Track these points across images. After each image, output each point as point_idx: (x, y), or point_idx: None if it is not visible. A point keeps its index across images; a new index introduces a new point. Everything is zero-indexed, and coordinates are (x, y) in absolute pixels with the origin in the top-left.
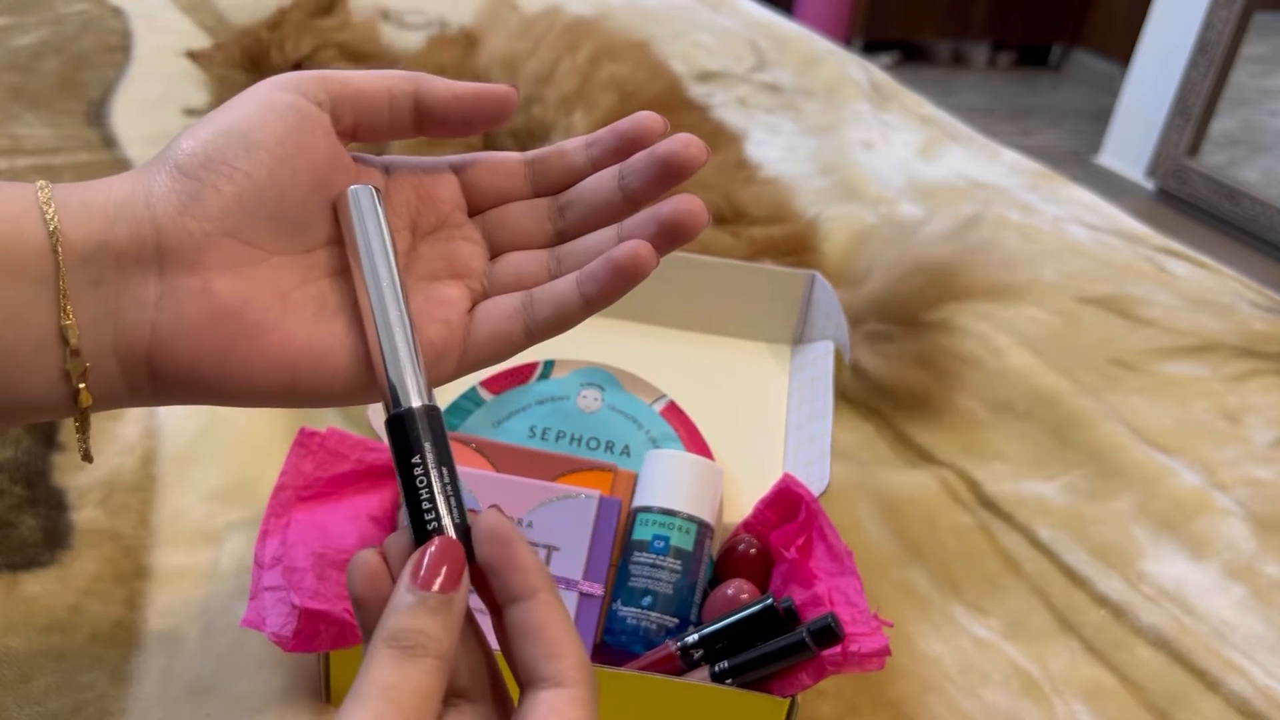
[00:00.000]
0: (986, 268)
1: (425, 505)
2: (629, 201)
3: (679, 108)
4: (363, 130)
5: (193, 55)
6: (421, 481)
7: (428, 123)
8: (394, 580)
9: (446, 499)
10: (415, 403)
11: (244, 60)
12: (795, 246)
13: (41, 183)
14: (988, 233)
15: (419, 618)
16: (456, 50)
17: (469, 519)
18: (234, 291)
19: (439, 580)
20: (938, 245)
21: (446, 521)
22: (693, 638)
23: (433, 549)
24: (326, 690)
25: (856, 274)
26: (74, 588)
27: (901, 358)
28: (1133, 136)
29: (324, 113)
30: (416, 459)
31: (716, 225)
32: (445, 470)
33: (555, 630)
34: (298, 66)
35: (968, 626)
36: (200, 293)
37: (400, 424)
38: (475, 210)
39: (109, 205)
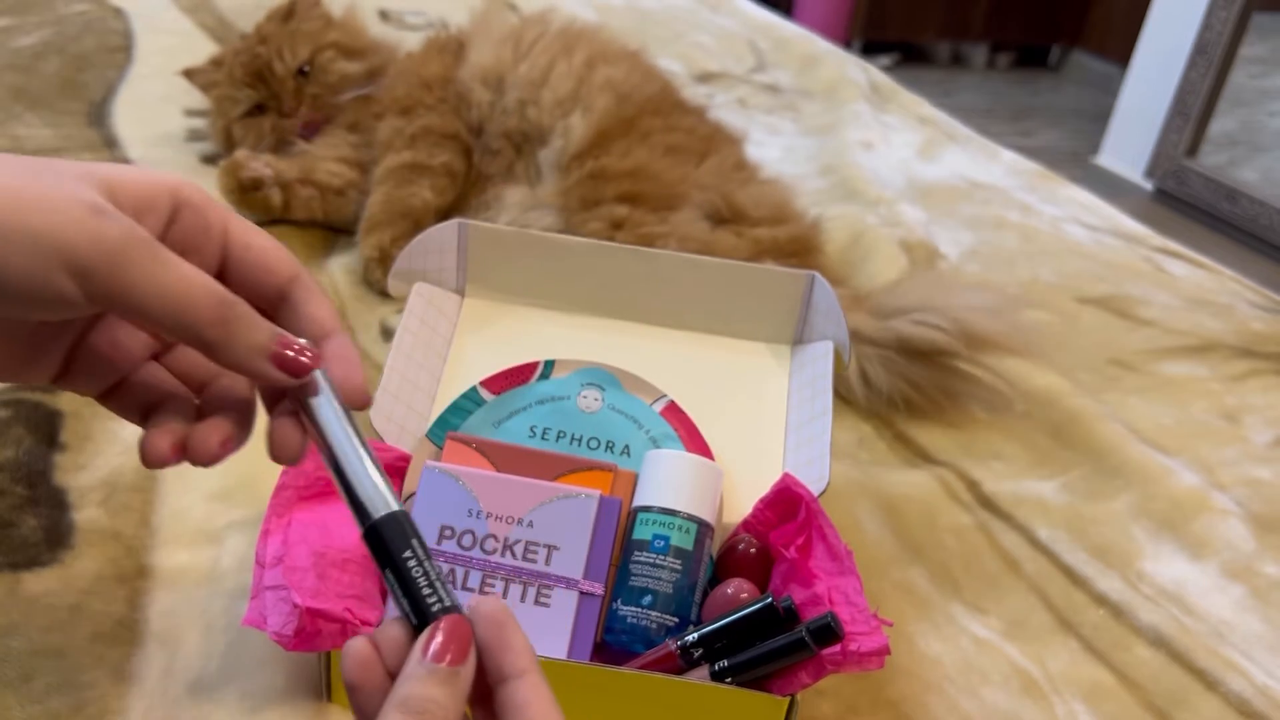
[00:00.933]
0: (1025, 348)
1: (426, 591)
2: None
3: (674, 110)
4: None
5: (189, 74)
6: (418, 572)
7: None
8: (385, 667)
9: (442, 584)
10: (394, 507)
11: (247, 77)
12: (799, 248)
13: None
14: (1031, 315)
15: (430, 686)
16: (448, 59)
17: (463, 602)
18: None
19: (450, 654)
20: (983, 317)
21: (449, 603)
22: (692, 637)
23: (443, 626)
24: (327, 689)
25: (885, 307)
26: (75, 587)
27: (917, 383)
28: (1132, 137)
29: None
30: (409, 554)
31: (719, 225)
32: (430, 561)
33: (541, 706)
34: (301, 72)
35: (967, 626)
36: None
37: (381, 531)
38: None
39: None
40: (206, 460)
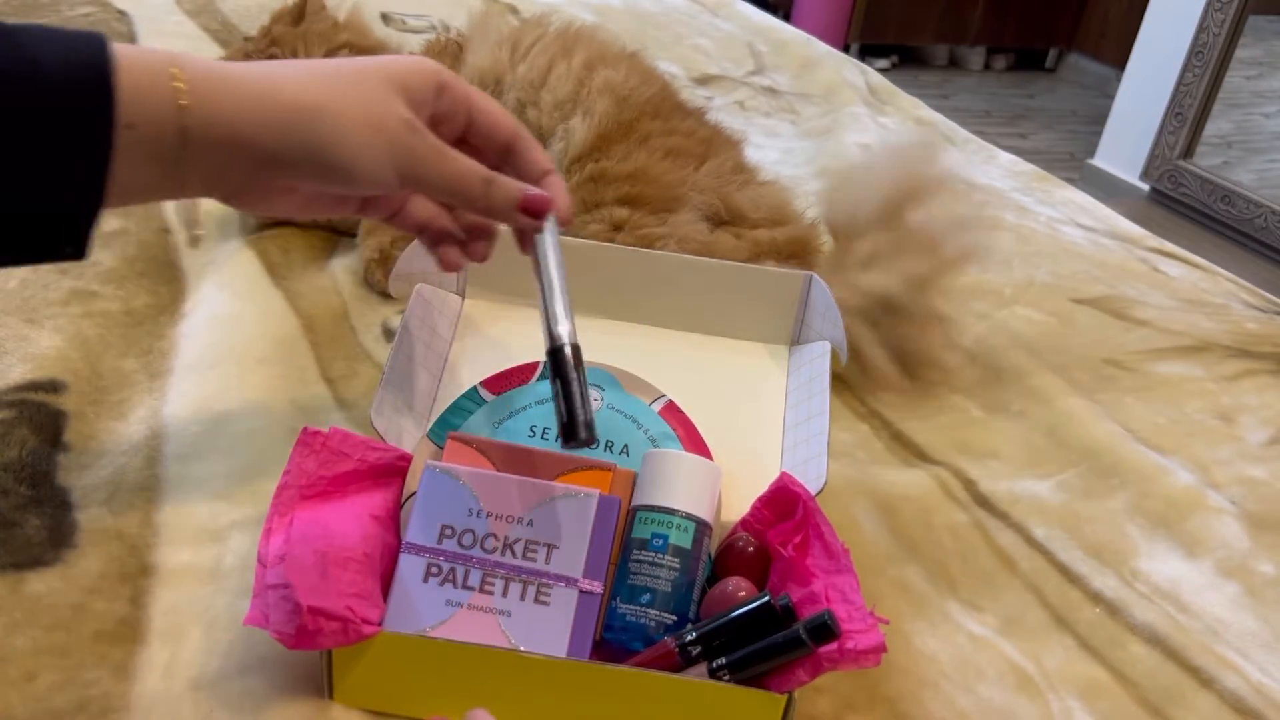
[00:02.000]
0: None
1: (578, 405)
2: None
3: (673, 113)
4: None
5: None
6: (574, 389)
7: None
8: None
9: (585, 404)
10: (573, 340)
11: None
12: (798, 249)
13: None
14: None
15: None
16: (447, 60)
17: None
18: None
19: None
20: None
21: (587, 417)
22: (691, 635)
23: None
24: (329, 687)
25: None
26: (78, 586)
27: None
28: (1127, 139)
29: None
30: (575, 377)
31: (718, 225)
32: (584, 385)
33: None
34: None
35: (963, 623)
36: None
37: (556, 356)
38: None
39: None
40: (479, 259)
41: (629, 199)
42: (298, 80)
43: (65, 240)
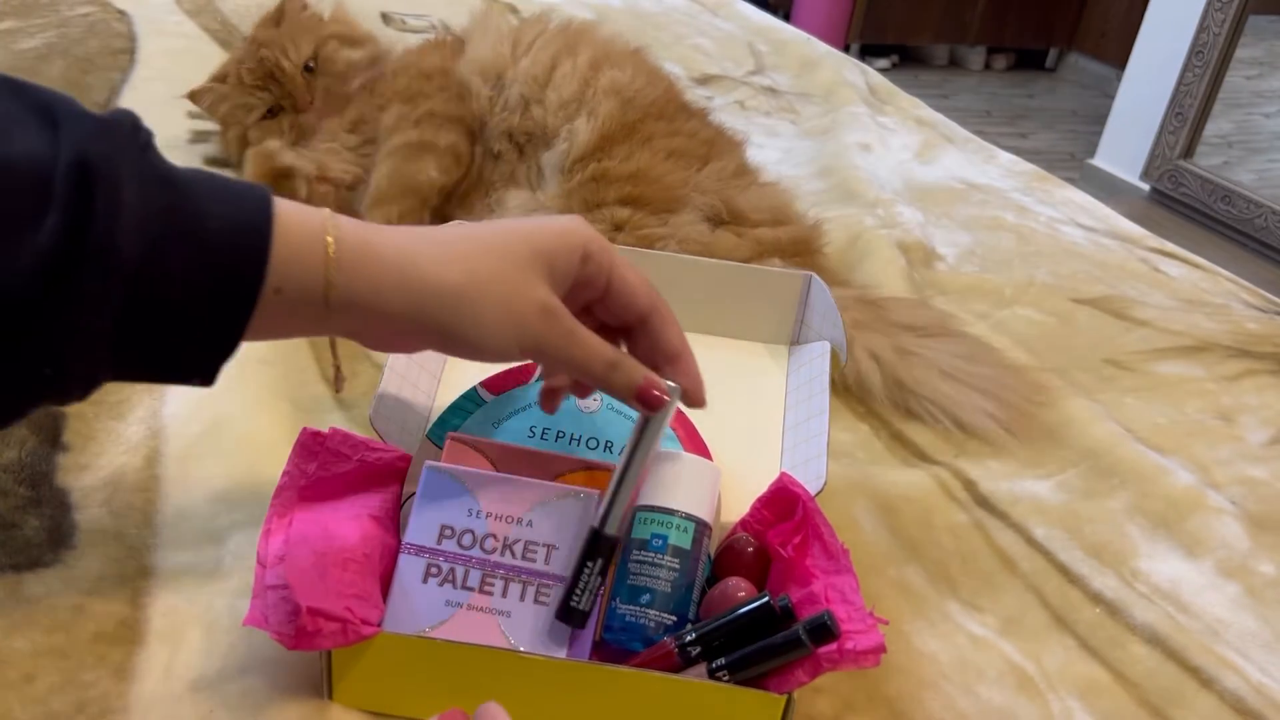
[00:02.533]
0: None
1: (578, 589)
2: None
3: (677, 114)
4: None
5: (193, 97)
6: (586, 575)
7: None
8: None
9: (591, 594)
10: (615, 533)
11: (258, 82)
12: (801, 249)
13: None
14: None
15: None
16: (445, 53)
17: None
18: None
19: None
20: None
21: (584, 607)
22: (690, 635)
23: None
24: (329, 688)
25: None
26: (77, 587)
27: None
28: (1128, 139)
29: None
30: (590, 565)
31: (718, 226)
32: (600, 577)
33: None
34: (307, 68)
35: (963, 624)
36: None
37: (595, 540)
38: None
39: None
40: (583, 396)
41: (630, 199)
42: (439, 259)
43: (196, 375)
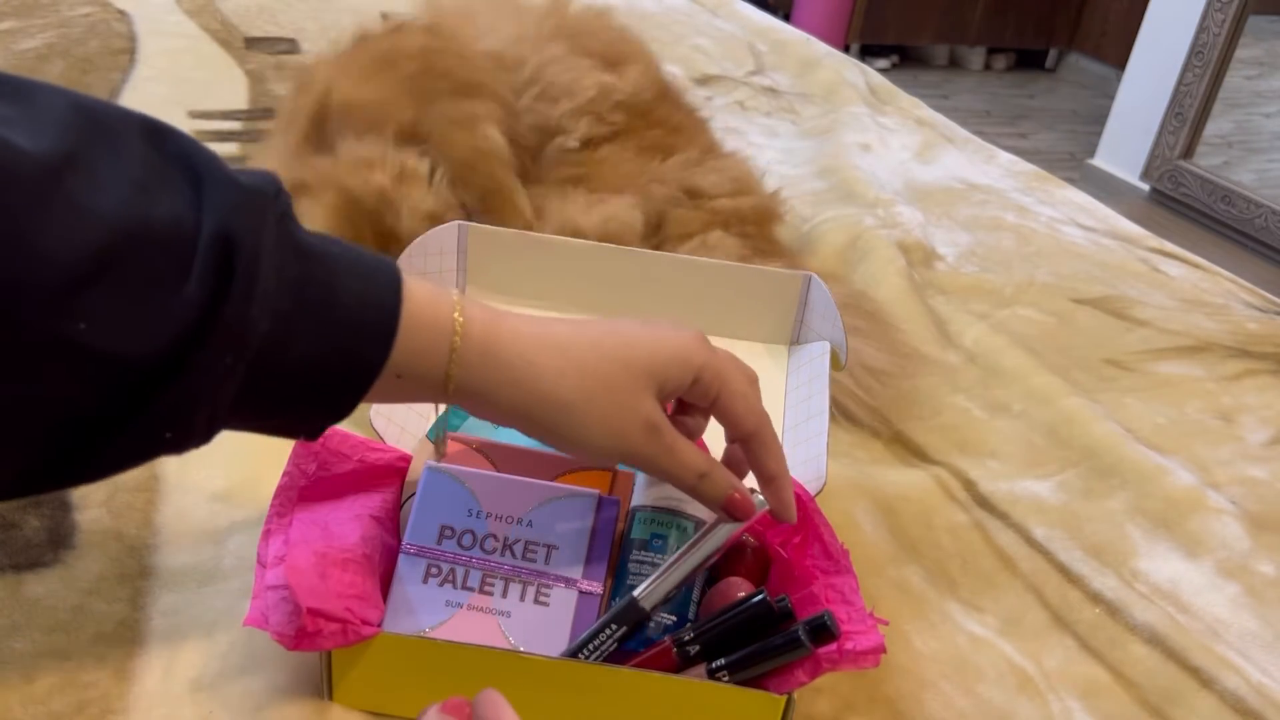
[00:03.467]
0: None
1: (592, 644)
2: None
3: (659, 106)
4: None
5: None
6: (603, 638)
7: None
8: None
9: (600, 653)
10: (647, 610)
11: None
12: (760, 216)
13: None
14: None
15: None
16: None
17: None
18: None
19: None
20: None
21: (592, 660)
22: (690, 635)
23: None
24: (329, 688)
25: None
26: (78, 588)
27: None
28: (1128, 139)
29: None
30: (609, 630)
31: (675, 207)
32: (613, 640)
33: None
34: None
35: (963, 624)
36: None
37: (627, 608)
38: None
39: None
40: None
41: (575, 179)
42: (557, 370)
43: (302, 433)
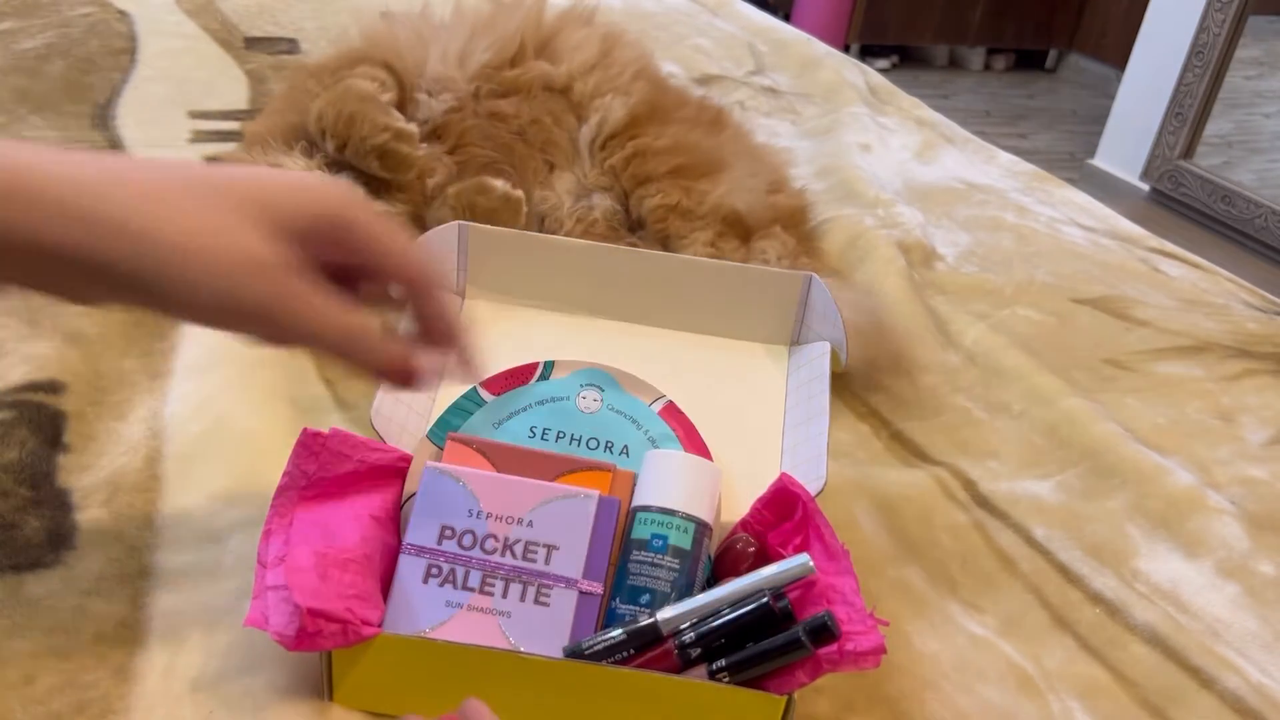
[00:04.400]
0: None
1: (603, 643)
2: None
3: (673, 96)
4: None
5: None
6: (609, 640)
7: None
8: None
9: (609, 652)
10: (657, 621)
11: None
12: (798, 218)
13: None
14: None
15: None
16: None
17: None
18: None
19: None
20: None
21: (594, 656)
22: (690, 636)
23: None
24: (329, 689)
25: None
26: (78, 588)
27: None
28: (1128, 139)
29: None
30: (616, 633)
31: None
32: (620, 645)
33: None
34: None
35: (964, 624)
36: None
37: (654, 629)
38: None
39: None
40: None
41: (678, 170)
42: (126, 195)
43: None
